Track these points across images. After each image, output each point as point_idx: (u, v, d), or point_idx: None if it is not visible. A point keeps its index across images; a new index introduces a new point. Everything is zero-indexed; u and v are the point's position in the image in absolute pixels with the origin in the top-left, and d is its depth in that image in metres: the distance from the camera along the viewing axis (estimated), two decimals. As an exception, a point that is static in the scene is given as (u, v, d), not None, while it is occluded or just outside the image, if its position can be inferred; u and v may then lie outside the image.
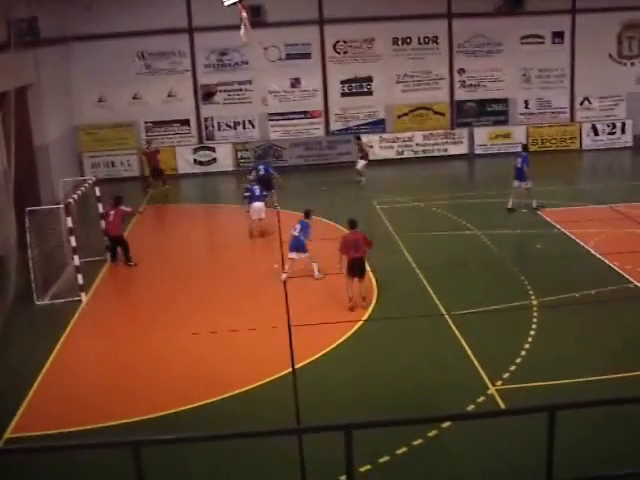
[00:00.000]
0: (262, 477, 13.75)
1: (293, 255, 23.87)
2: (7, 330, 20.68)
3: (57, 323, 21.37)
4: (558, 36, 41.75)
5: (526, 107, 42.32)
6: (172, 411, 16.03)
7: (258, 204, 28.05)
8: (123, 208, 26.28)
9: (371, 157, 40.21)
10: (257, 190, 28.35)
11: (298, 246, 23.80)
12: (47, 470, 13.93)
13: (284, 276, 23.82)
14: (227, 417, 15.73)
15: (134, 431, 14.95)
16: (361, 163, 36.38)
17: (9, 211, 23.67)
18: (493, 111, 42.20)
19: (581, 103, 42.38)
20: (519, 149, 32.62)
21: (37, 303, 22.81)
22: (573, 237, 26.27)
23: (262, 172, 32.42)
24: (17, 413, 16.38)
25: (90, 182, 26.65)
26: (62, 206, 23.66)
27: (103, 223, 26.43)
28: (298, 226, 24.01)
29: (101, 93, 40.55)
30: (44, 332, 21.09)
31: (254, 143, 41.21)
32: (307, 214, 24.29)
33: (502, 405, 15.52)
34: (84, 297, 22.99)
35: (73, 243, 22.99)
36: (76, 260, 23.05)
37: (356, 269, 21.37)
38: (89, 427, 15.45)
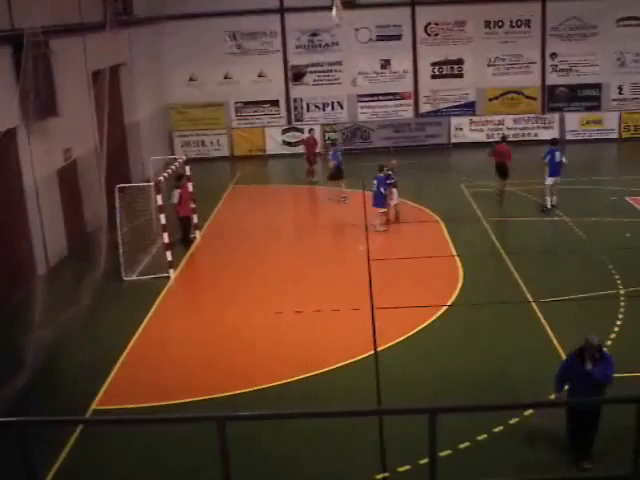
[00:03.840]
0: (341, 457, 13.80)
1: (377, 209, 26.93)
2: (96, 305, 21.08)
3: (145, 299, 21.76)
4: (657, 18, 40.73)
5: (620, 92, 41.42)
6: (254, 389, 16.23)
7: None
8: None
9: (461, 140, 40.10)
10: None
11: (379, 200, 26.74)
12: (129, 442, 14.22)
13: (378, 226, 26.69)
14: (308, 397, 15.83)
15: (217, 408, 15.14)
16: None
17: (100, 188, 24.10)
18: (585, 96, 41.40)
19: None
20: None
21: (125, 279, 23.23)
22: (665, 226, 25.79)
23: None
24: (103, 385, 16.76)
25: (180, 161, 26.97)
26: (152, 184, 24.01)
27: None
28: (375, 182, 26.77)
29: (192, 72, 40.99)
30: (131, 308, 21.48)
31: (342, 124, 41.22)
32: (380, 168, 27.01)
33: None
34: (172, 274, 23.33)
35: (163, 221, 23.33)
36: (165, 237, 23.39)
37: (501, 171, 29.13)
38: (172, 402, 15.70)
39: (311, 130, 37.12)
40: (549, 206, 28.27)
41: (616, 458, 12.21)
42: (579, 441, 13.34)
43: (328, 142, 40.03)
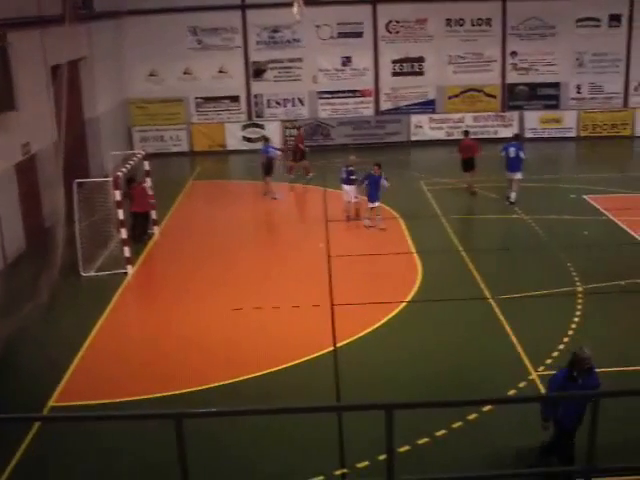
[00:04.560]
0: (300, 454, 13.82)
1: (376, 204, 26.84)
2: (54, 301, 20.89)
3: (102, 295, 21.60)
4: (615, 19, 41.04)
5: (578, 92, 41.76)
6: (212, 385, 16.18)
7: None
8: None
9: (420, 137, 40.27)
10: None
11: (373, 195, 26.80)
12: (87, 440, 14.12)
13: (367, 222, 26.91)
14: (267, 393, 15.82)
15: (174, 405, 15.09)
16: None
17: (58, 183, 23.87)
18: (544, 95, 41.74)
19: (636, 89, 41.68)
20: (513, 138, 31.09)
21: (83, 274, 23.06)
22: (621, 225, 25.98)
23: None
24: (61, 382, 16.63)
25: (139, 156, 26.81)
26: (110, 179, 23.86)
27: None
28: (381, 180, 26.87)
29: (152, 67, 40.75)
30: (89, 304, 21.32)
31: (302, 121, 41.18)
32: (379, 166, 26.86)
33: (543, 391, 15.44)
34: (130, 270, 23.19)
35: (121, 216, 23.19)
36: (123, 233, 23.24)
37: (468, 165, 30.55)
38: (130, 399, 15.60)
39: (300, 127, 36.81)
40: (509, 198, 28.92)
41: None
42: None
43: (289, 138, 40.34)
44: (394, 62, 41.52)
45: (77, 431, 14.19)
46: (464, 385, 15.94)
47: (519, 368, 16.48)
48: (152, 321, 20.28)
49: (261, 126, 40.98)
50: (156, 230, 26.80)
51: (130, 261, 23.29)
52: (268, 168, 31.45)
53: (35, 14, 27.05)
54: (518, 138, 30.69)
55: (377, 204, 26.68)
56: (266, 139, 33.03)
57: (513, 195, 28.59)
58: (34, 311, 19.58)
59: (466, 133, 32.60)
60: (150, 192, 26.62)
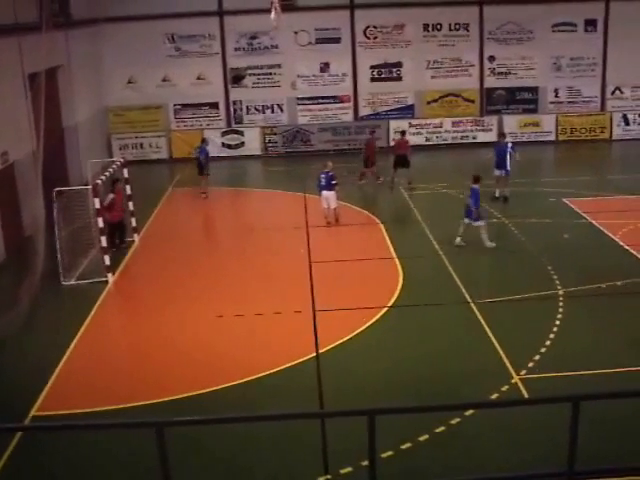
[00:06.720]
0: (284, 461, 13.78)
1: (465, 221, 24.87)
2: (34, 310, 20.77)
3: (83, 304, 21.47)
4: (591, 24, 41.28)
5: (556, 96, 41.98)
6: (195, 393, 16.09)
7: None
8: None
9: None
10: None
11: (468, 213, 24.74)
12: (70, 449, 14.04)
13: (458, 240, 24.75)
14: (250, 400, 15.76)
15: (157, 413, 15.02)
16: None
17: (37, 191, 23.77)
18: (523, 99, 41.94)
19: (612, 92, 41.95)
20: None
21: (63, 283, 22.94)
22: (601, 227, 26.08)
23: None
24: (43, 392, 16.50)
25: (118, 163, 26.72)
26: (90, 187, 23.76)
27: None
28: (468, 192, 25.03)
29: (131, 75, 40.68)
30: (70, 312, 21.21)
31: (282, 127, 41.20)
32: (476, 179, 24.83)
33: (525, 394, 15.46)
34: (110, 278, 23.10)
35: (100, 224, 23.09)
36: (103, 241, 23.15)
37: (402, 162, 32.24)
38: (112, 407, 15.50)
39: (373, 131, 36.41)
40: (496, 195, 29.95)
41: (554, 456, 12.32)
42: None
43: (269, 145, 40.48)
44: (372, 68, 41.62)
45: (60, 440, 14.10)
46: (446, 389, 15.93)
47: (501, 372, 16.49)
48: (133, 329, 20.20)
49: (240, 132, 40.98)
50: (136, 238, 26.72)
51: (110, 269, 23.19)
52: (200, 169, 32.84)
53: (11, 21, 26.92)
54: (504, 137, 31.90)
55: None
56: (203, 140, 34.78)
57: (506, 191, 29.93)
58: (15, 320, 19.48)
59: (403, 133, 35.02)
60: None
